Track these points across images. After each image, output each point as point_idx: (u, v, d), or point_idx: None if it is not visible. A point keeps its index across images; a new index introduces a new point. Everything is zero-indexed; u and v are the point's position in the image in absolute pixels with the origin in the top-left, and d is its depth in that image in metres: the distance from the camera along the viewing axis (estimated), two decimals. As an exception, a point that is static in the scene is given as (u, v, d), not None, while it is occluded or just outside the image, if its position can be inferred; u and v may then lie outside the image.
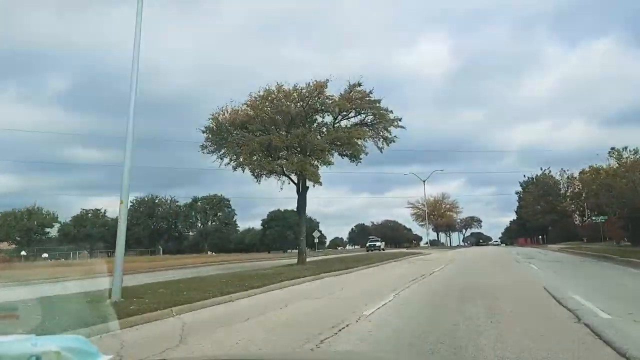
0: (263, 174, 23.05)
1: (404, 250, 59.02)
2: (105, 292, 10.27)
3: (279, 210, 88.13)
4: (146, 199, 74.37)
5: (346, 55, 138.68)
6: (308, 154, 22.77)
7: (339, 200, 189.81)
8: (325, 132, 24.00)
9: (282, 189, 24.19)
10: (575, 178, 72.73)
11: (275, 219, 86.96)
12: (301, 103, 23.12)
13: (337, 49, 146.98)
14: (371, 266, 22.65)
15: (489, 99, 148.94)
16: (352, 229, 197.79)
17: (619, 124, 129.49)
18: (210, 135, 23.73)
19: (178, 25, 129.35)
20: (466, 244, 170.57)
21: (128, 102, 10.92)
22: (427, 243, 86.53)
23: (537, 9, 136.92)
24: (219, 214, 76.17)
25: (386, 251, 50.77)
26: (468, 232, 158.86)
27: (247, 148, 21.66)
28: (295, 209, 26.37)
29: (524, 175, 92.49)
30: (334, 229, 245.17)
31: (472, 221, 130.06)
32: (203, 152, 23.95)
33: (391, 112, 24.81)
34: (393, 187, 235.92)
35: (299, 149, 22.69)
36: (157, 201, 75.68)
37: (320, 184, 22.34)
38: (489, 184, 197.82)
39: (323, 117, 24.27)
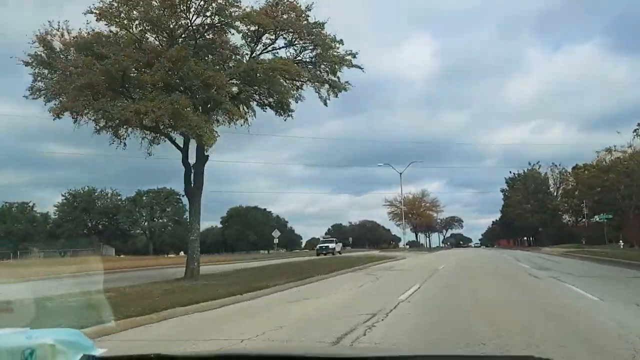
0: (110, 126, 13.72)
1: (376, 253, 50.33)
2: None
3: (240, 207, 78.81)
4: (82, 192, 63.96)
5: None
6: (198, 95, 13.68)
7: (318, 199, 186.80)
8: (233, 66, 14.87)
9: (150, 154, 15.05)
10: (568, 173, 65.43)
11: (236, 217, 77.51)
12: (189, 16, 13.91)
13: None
14: (295, 285, 13.44)
15: (472, 101, 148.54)
16: (329, 229, 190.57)
17: (597, 128, 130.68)
18: (39, 70, 14.37)
19: None
20: (446, 245, 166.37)
21: None
22: (407, 244, 78.31)
23: (521, 12, 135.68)
24: (167, 209, 66.39)
25: (348, 254, 41.66)
26: (448, 234, 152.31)
27: (83, 78, 12.39)
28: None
29: (510, 172, 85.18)
30: (313, 230, 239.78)
31: (453, 221, 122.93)
32: (34, 98, 14.54)
33: (340, 42, 15.92)
34: (377, 187, 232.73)
35: (181, 87, 13.52)
36: (95, 194, 65.41)
37: (212, 145, 13.24)
38: (470, 185, 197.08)
39: (228, 45, 15.15)
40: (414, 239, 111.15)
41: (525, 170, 74.63)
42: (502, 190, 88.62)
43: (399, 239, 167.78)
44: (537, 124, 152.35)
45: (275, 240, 56.03)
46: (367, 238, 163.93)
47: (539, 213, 67.87)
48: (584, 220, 56.40)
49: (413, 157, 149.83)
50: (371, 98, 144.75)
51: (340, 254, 43.29)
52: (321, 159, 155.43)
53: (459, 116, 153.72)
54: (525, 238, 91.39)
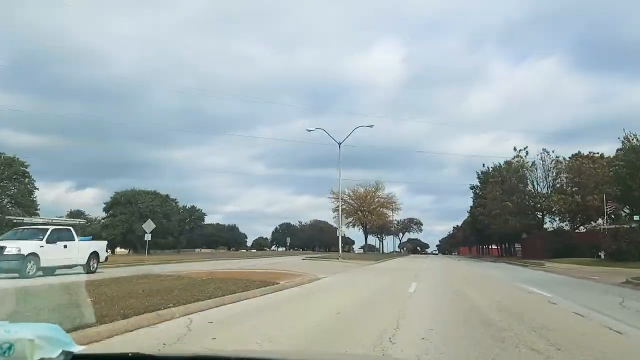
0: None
1: (289, 261, 31.78)
2: None
3: (129, 190, 58.19)
4: None
5: (301, 56, 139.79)
6: None
7: (279, 199, 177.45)
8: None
9: None
10: (565, 162, 49.34)
11: (123, 205, 56.81)
12: None
13: (292, 48, 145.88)
14: None
15: (435, 108, 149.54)
16: (277, 228, 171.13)
17: (554, 142, 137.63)
18: None
19: (128, 10, 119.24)
20: (402, 250, 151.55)
21: None
22: (360, 247, 60.48)
23: (487, 25, 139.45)
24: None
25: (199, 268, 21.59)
26: (405, 238, 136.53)
27: None
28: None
29: (484, 165, 69.15)
30: (264, 229, 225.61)
31: (411, 224, 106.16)
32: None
33: None
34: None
35: None
36: None
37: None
38: (429, 192, 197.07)
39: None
40: (369, 241, 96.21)
41: (504, 163, 58.33)
42: (472, 188, 72.65)
43: (353, 242, 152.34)
44: (497, 135, 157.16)
45: (147, 237, 36.70)
46: (318, 239, 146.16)
47: (523, 215, 51.85)
48: (601, 224, 39.99)
49: (376, 162, 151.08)
50: (337, 100, 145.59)
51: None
52: (284, 159, 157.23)
53: (421, 123, 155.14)
54: (500, 246, 75.50)
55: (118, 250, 57.16)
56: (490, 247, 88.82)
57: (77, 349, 1.37)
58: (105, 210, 58.18)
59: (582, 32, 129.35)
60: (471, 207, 73.49)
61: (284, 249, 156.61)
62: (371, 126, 36.52)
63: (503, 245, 72.22)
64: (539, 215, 51.18)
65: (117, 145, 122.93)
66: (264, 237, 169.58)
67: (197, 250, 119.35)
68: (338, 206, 65.24)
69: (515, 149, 52.94)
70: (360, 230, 71.93)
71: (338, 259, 35.16)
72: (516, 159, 51.98)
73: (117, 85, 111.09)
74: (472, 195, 72.66)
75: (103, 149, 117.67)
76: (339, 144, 36.42)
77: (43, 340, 1.26)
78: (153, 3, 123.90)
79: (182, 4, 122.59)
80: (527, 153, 50.79)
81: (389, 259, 46.86)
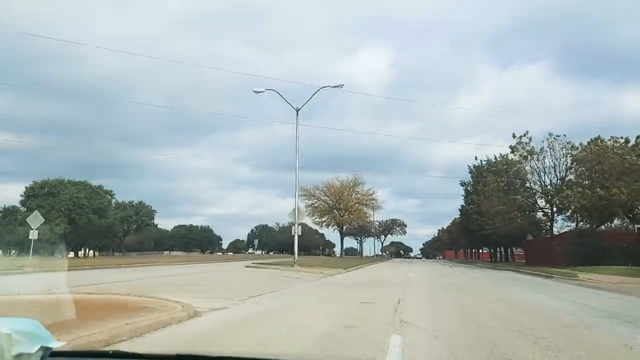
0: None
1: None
2: None
3: (49, 179, 47.45)
4: None
5: (288, 57, 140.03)
6: None
7: (264, 202, 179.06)
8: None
9: None
10: (582, 148, 40.41)
11: (40, 196, 46.05)
12: None
13: (279, 50, 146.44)
14: None
15: (421, 112, 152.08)
16: (252, 230, 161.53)
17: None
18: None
19: (115, 8, 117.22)
20: (385, 254, 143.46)
21: None
22: (343, 251, 50.92)
23: (475, 31, 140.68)
24: None
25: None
26: (387, 241, 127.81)
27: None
28: None
29: (476, 158, 60.20)
30: (245, 231, 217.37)
31: (394, 225, 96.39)
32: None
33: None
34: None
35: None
36: None
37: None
38: (413, 196, 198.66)
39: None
40: (352, 244, 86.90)
41: (508, 151, 49.32)
42: (463, 184, 63.63)
43: (334, 245, 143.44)
44: (482, 139, 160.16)
45: (32, 234, 26.55)
46: (298, 243, 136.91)
47: (525, 213, 43.01)
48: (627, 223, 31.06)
49: (360, 164, 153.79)
50: (324, 103, 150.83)
51: None
52: (270, 161, 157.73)
53: (407, 127, 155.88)
54: (493, 250, 66.64)
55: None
56: (480, 251, 79.98)
57: (56, 345, 1.33)
58: (22, 203, 47.39)
59: (566, 40, 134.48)
60: (462, 206, 64.61)
61: (261, 252, 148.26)
62: (340, 86, 26.88)
63: (498, 249, 63.25)
64: (547, 214, 42.27)
65: (99, 146, 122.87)
66: (241, 239, 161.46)
67: (167, 252, 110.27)
68: (312, 204, 55.65)
69: (514, 136, 43.81)
70: (337, 232, 62.44)
71: (293, 265, 25.49)
72: (519, 148, 42.82)
73: (99, 85, 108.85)
74: (463, 193, 63.87)
75: (84, 149, 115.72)
76: (297, 110, 26.69)
77: (21, 335, 1.22)
78: (139, 3, 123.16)
79: (168, 5, 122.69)
80: (530, 139, 41.81)
81: (365, 265, 37.34)
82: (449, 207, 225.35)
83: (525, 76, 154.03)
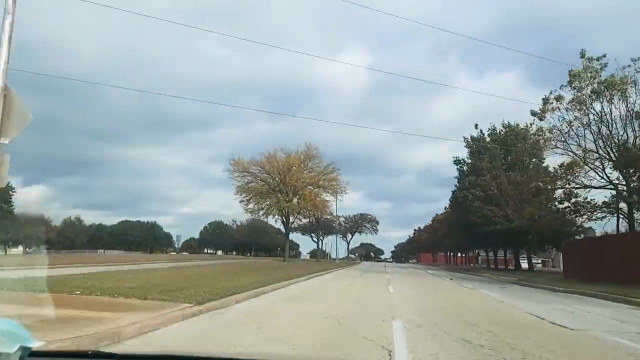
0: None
1: None
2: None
3: None
4: None
5: (267, 58, 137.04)
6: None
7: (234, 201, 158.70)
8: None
9: None
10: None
11: None
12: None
13: (258, 50, 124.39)
14: None
15: (399, 116, 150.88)
16: (206, 226, 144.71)
17: None
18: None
19: (89, 3, 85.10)
20: (354, 257, 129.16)
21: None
22: (307, 253, 34.82)
23: (452, 37, 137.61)
24: None
25: None
26: (357, 242, 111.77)
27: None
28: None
29: (476, 126, 43.71)
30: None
31: (363, 221, 78.51)
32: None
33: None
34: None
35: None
36: None
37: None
38: (386, 199, 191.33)
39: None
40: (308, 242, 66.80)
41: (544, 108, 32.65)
42: (458, 162, 47.04)
43: (298, 246, 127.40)
44: (456, 144, 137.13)
45: None
46: (255, 242, 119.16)
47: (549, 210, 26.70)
48: None
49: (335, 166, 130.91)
50: (304, 104, 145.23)
51: None
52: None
53: (383, 130, 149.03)
54: (500, 253, 50.02)
55: None
56: (475, 253, 63.40)
57: (36, 344, 1.30)
58: None
59: (541, 48, 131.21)
60: (453, 193, 48.13)
61: (214, 252, 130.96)
62: None
63: (505, 251, 46.68)
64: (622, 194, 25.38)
65: (69, 142, 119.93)
66: (195, 237, 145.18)
67: (101, 251, 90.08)
68: (245, 184, 38.20)
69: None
70: (292, 225, 44.13)
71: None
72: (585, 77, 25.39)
73: (73, 80, 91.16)
74: (456, 174, 47.31)
75: (54, 145, 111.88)
76: None
77: (0, 335, 1.19)
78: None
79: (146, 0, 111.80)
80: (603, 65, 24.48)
81: (313, 276, 20.19)
82: (422, 210, 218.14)
83: (501, 82, 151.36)
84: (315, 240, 58.75)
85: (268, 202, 38.76)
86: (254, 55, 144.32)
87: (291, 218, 40.69)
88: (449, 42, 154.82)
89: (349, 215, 72.85)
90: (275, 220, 41.19)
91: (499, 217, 35.93)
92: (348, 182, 40.47)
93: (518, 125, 40.95)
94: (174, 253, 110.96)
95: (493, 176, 37.85)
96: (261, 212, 38.84)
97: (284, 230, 41.16)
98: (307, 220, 47.94)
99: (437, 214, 72.85)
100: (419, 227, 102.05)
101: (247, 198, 39.37)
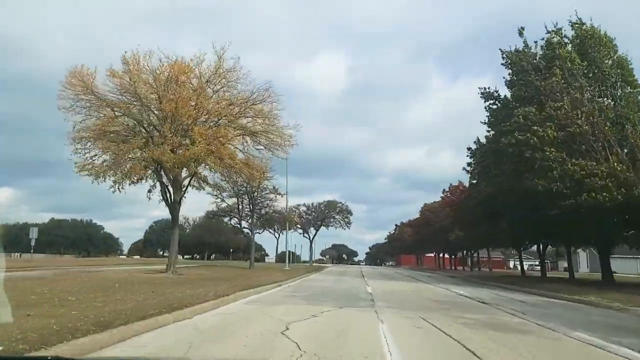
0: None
1: None
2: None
3: None
4: None
5: (243, 60, 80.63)
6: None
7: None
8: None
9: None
10: None
11: None
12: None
13: (235, 51, 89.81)
14: None
15: (374, 119, 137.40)
16: (152, 225, 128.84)
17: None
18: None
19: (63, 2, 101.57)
20: (325, 259, 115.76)
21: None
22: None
23: (428, 42, 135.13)
24: None
25: None
26: (329, 243, 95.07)
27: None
28: None
29: (501, 51, 24.76)
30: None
31: (332, 212, 57.46)
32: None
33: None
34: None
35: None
36: None
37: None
38: (361, 201, 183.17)
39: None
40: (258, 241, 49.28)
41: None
42: (489, 96, 27.65)
43: (262, 248, 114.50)
44: (431, 147, 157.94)
45: None
46: (210, 242, 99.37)
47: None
48: None
49: (311, 169, 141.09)
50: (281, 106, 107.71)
51: None
52: None
53: (359, 133, 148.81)
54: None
55: None
56: (469, 255, 44.65)
57: None
58: None
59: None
60: (473, 155, 28.99)
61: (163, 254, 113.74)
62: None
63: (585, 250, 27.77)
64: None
65: (37, 143, 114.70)
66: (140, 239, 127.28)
67: (16, 255, 71.44)
68: (81, 122, 17.25)
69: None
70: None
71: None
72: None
73: (43, 79, 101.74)
74: (486, 118, 27.70)
75: (21, 146, 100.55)
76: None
77: None
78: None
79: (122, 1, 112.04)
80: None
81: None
82: (396, 214, 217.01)
83: (474, 87, 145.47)
84: (249, 231, 38.16)
85: (128, 153, 18.88)
86: (230, 55, 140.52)
87: (184, 185, 20.77)
88: (425, 48, 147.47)
89: (312, 204, 53.37)
90: (151, 192, 21.11)
91: (601, 179, 17.25)
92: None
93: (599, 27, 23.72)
94: (125, 257, 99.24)
95: (575, 100, 19.90)
96: (111, 176, 18.77)
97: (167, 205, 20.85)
98: (234, 198, 28.03)
99: (425, 203, 54.66)
100: (402, 222, 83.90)
101: (89, 145, 19.26)
